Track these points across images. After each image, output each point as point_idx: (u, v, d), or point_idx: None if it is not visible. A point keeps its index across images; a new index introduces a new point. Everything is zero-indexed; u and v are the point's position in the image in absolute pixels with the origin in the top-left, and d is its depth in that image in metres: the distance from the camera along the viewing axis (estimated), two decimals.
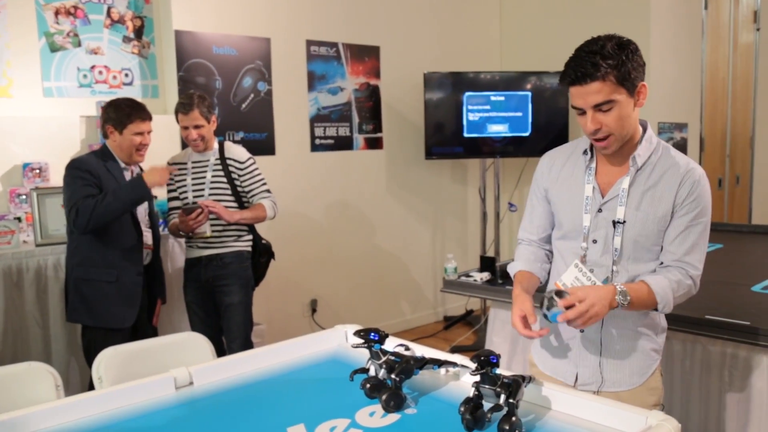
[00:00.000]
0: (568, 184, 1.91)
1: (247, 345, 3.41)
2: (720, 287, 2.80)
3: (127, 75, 4.18)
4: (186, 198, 3.39)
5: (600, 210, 1.83)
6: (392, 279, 5.61)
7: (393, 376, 1.59)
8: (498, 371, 1.44)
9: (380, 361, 1.62)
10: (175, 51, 4.22)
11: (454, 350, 5.05)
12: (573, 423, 1.49)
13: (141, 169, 3.32)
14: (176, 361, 1.95)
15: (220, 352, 3.41)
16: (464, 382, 1.73)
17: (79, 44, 3.97)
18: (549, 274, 2.02)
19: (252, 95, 4.62)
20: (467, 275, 3.37)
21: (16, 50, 3.74)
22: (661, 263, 1.83)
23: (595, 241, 1.84)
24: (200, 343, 2.25)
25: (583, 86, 1.69)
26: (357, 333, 1.69)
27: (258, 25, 4.62)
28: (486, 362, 1.42)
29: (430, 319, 5.93)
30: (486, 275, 3.30)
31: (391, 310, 5.62)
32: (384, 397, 1.56)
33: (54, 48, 3.88)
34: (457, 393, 1.65)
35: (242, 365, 1.95)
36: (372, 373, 1.66)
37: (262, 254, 3.53)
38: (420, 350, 1.91)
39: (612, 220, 1.81)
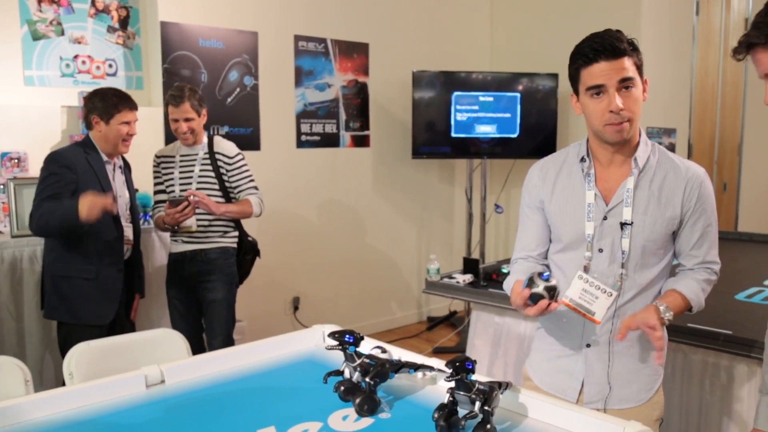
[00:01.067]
0: (565, 194, 1.84)
1: (229, 342, 3.36)
2: None
3: (111, 65, 4.12)
4: (173, 191, 3.35)
5: (605, 218, 1.78)
6: (376, 278, 5.58)
7: (367, 379, 1.55)
8: (474, 377, 1.41)
9: (355, 364, 1.59)
10: (161, 43, 4.17)
11: (437, 351, 5.02)
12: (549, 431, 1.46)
13: (125, 161, 3.27)
14: (150, 358, 1.91)
15: (201, 349, 3.38)
16: (441, 386, 1.69)
17: (62, 33, 3.91)
18: None
19: (238, 89, 4.57)
20: (450, 276, 3.34)
21: None
22: (681, 265, 1.86)
23: (601, 250, 1.78)
24: (175, 340, 2.20)
25: (611, 61, 1.66)
26: (332, 335, 1.65)
27: (245, 18, 4.57)
28: (461, 368, 1.38)
29: (413, 319, 5.90)
30: (469, 277, 3.27)
31: (375, 309, 5.58)
32: (357, 400, 1.52)
33: (36, 36, 3.82)
34: (434, 398, 1.61)
35: (215, 364, 1.91)
36: (347, 375, 1.62)
37: (247, 251, 3.49)
38: (397, 353, 1.87)
39: (619, 222, 1.76)
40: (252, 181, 3.41)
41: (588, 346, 1.82)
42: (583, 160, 1.82)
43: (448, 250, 6.07)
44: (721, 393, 2.34)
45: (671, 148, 5.75)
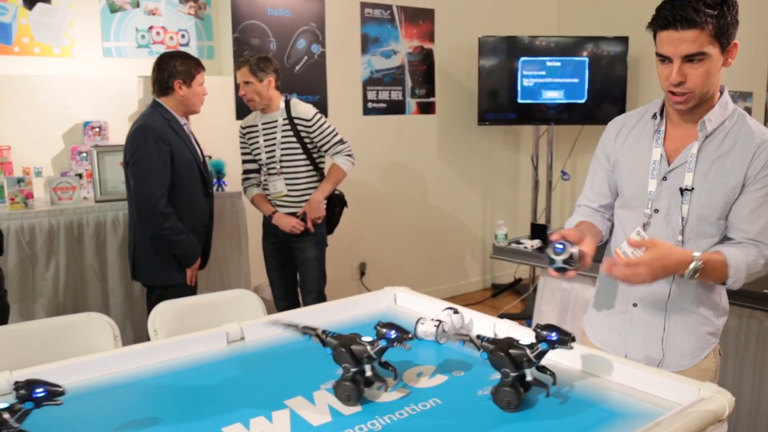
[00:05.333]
0: (634, 149, 1.82)
1: (321, 298, 3.54)
2: None
3: (183, 36, 4.22)
4: (260, 159, 3.49)
5: (665, 178, 1.74)
6: (441, 244, 5.61)
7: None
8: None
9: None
10: (231, 12, 4.24)
11: (502, 318, 5.04)
12: (623, 392, 1.47)
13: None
14: (228, 317, 2.00)
15: (295, 302, 3.62)
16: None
17: (137, 5, 4.02)
18: (609, 242, 1.96)
19: (306, 57, 4.62)
20: (518, 242, 3.34)
21: (78, 11, 3.82)
22: (730, 239, 1.72)
23: (657, 211, 1.76)
24: (252, 300, 2.29)
25: (679, 32, 1.57)
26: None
27: None
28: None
29: (477, 286, 5.93)
30: (537, 243, 3.27)
31: (439, 275, 5.63)
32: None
33: (113, 9, 3.94)
34: None
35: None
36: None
37: (335, 204, 3.63)
38: (468, 314, 1.92)
39: (679, 187, 1.71)
40: (336, 135, 3.48)
41: (634, 305, 1.82)
42: (655, 116, 1.79)
43: (513, 217, 6.04)
44: None
45: (747, 112, 5.54)
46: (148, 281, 3.13)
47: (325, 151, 3.49)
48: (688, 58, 1.60)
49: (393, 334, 1.43)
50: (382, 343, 1.44)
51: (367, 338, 1.47)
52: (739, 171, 1.67)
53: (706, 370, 1.81)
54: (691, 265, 1.59)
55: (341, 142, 3.49)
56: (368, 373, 1.45)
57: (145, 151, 2.91)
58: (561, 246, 1.60)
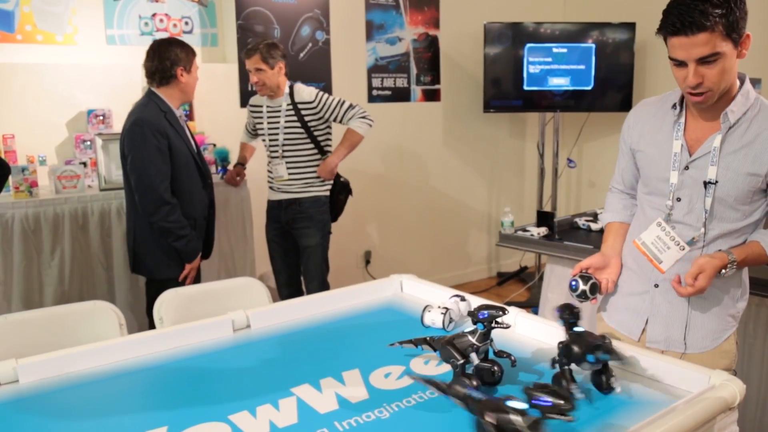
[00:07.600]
0: (655, 139, 1.82)
1: (324, 285, 3.53)
2: None
3: (187, 23, 4.19)
4: (264, 140, 3.52)
5: (687, 168, 1.74)
6: (446, 233, 5.60)
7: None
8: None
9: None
10: None
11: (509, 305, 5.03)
12: (633, 380, 1.46)
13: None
14: (234, 305, 1.99)
15: (298, 288, 3.63)
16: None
17: None
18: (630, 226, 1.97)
19: (310, 44, 4.59)
20: (524, 230, 3.32)
21: None
22: None
23: (679, 200, 1.76)
24: (257, 288, 2.28)
25: (689, 37, 1.57)
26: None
27: None
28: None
29: (483, 274, 5.91)
30: (543, 230, 3.25)
31: (444, 263, 5.62)
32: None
33: None
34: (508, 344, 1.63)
35: (298, 310, 1.98)
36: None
37: (341, 191, 3.63)
38: (476, 302, 1.90)
39: (702, 180, 1.71)
40: (344, 103, 3.47)
41: (656, 286, 1.82)
42: (674, 107, 1.78)
43: (519, 205, 6.01)
44: None
45: None
46: (148, 274, 3.11)
47: (341, 122, 3.48)
48: (703, 60, 1.59)
49: (485, 314, 1.46)
50: (479, 327, 1.45)
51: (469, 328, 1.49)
52: (762, 162, 1.67)
53: (727, 352, 1.81)
54: (726, 267, 1.67)
55: (351, 107, 3.47)
56: (476, 362, 1.44)
57: (143, 145, 2.87)
58: (575, 283, 1.77)
